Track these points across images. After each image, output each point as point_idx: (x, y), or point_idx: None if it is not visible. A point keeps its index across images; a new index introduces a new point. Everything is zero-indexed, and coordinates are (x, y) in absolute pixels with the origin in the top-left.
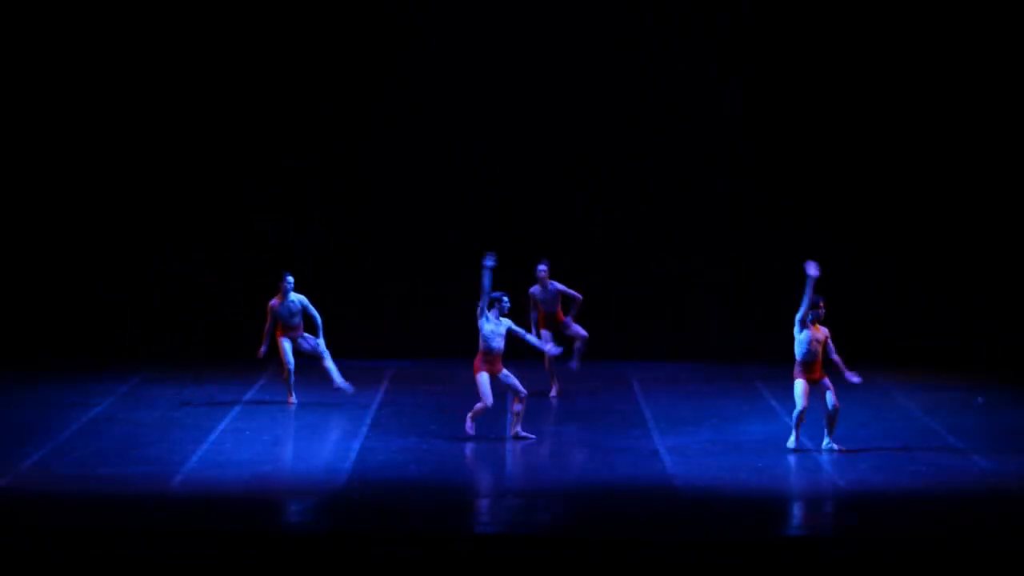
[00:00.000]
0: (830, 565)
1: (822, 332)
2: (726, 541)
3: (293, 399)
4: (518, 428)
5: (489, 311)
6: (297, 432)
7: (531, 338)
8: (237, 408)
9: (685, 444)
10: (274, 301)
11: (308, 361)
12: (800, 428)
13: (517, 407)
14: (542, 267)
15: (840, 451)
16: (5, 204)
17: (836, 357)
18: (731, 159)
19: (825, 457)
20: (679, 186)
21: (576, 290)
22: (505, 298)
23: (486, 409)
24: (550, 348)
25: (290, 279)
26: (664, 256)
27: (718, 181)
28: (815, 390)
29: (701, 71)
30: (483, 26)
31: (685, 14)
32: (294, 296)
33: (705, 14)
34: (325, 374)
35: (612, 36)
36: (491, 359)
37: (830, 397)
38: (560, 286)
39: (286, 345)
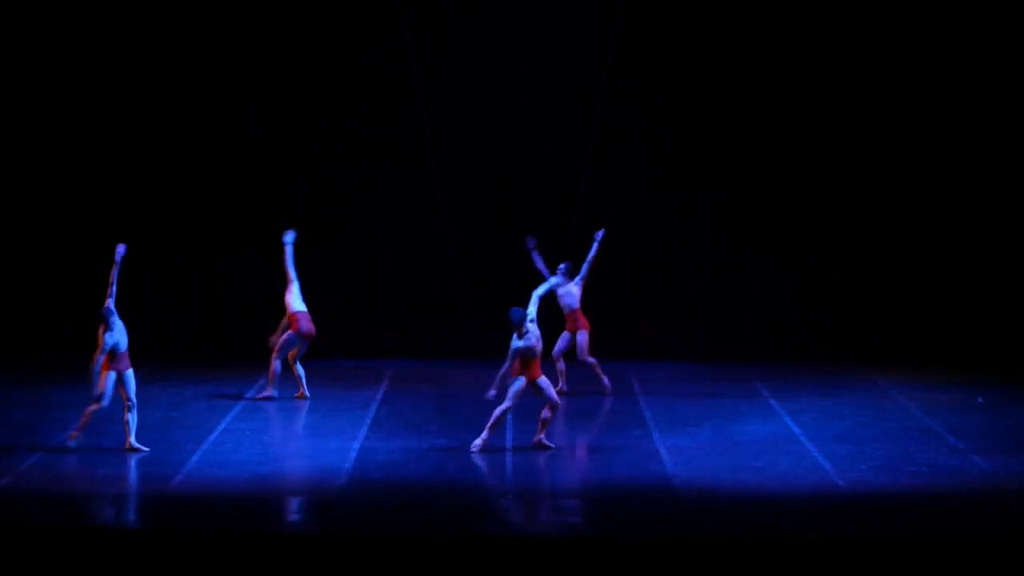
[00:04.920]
0: (830, 565)
1: None
2: (726, 541)
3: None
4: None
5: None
6: (297, 432)
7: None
8: (237, 408)
9: (685, 444)
10: None
11: (312, 361)
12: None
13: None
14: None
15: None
16: (5, 205)
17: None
18: (727, 162)
19: (825, 457)
20: (678, 187)
21: (576, 290)
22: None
23: None
24: None
25: None
26: (664, 256)
27: (715, 184)
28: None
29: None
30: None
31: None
32: None
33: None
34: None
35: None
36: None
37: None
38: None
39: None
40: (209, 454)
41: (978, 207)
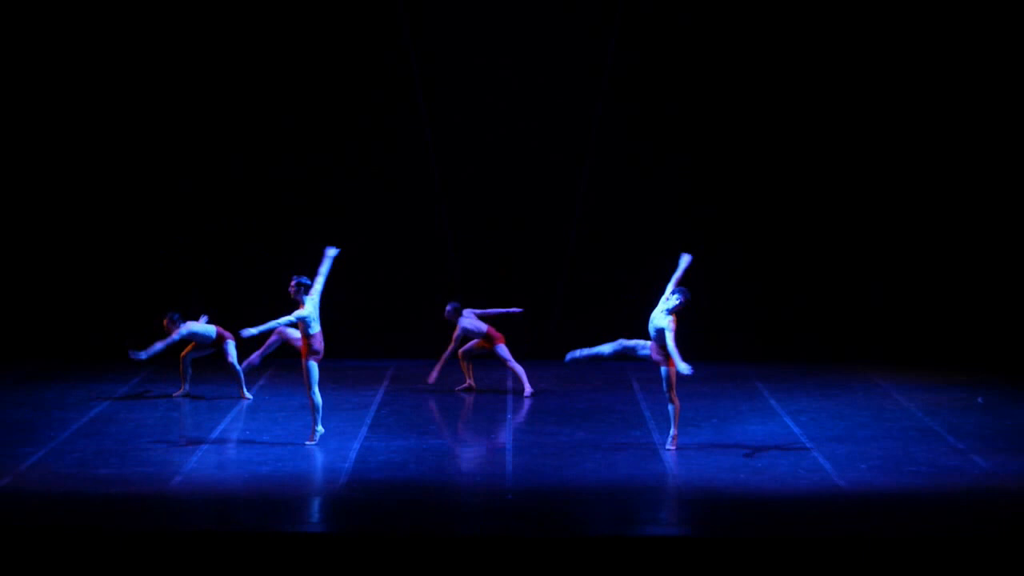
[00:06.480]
0: (830, 565)
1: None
2: (726, 541)
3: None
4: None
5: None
6: (297, 432)
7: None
8: (237, 408)
9: (685, 444)
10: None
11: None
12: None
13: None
14: (448, 307)
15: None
16: (5, 204)
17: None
18: (728, 162)
19: (825, 456)
20: (678, 187)
21: (574, 290)
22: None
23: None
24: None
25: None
26: (664, 256)
27: (715, 184)
28: None
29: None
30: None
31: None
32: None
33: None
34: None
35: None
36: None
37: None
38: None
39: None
40: (209, 454)
41: (978, 207)
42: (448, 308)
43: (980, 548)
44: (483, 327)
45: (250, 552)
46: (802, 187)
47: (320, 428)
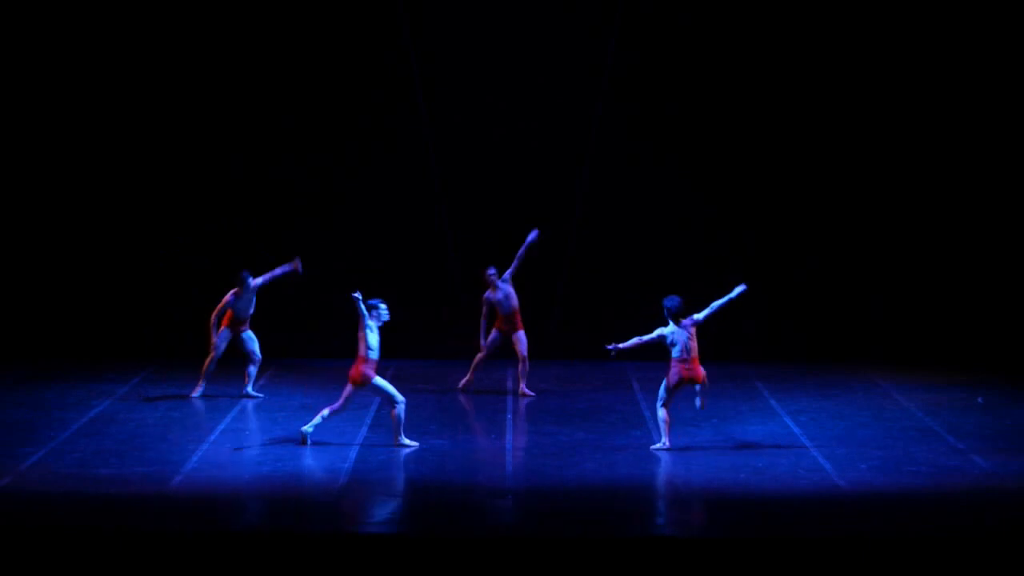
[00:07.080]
0: (830, 565)
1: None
2: (726, 541)
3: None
4: (401, 436)
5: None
6: (297, 432)
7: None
8: (237, 408)
9: (685, 444)
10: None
11: (313, 361)
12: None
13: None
14: (491, 270)
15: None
16: (5, 204)
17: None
18: (728, 162)
19: (825, 456)
20: (678, 187)
21: (574, 290)
22: (383, 306)
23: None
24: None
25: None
26: (664, 255)
27: (715, 184)
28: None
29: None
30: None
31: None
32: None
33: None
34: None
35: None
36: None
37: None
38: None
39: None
40: (209, 454)
41: (978, 207)
42: (490, 271)
43: (980, 548)
44: (516, 303)
45: (250, 552)
46: (801, 188)
47: (306, 429)
